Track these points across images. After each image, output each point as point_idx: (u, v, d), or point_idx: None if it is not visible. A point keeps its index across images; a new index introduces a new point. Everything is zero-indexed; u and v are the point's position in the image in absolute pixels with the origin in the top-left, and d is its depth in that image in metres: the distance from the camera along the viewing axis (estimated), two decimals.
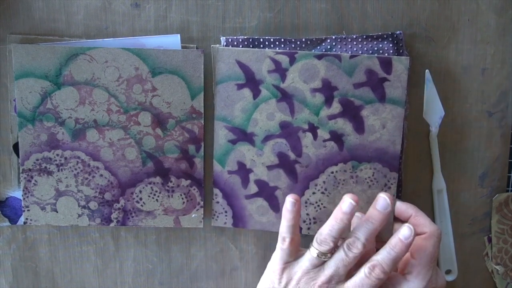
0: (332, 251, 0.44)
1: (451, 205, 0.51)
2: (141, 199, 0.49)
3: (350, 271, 0.44)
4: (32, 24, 0.48)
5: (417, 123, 0.50)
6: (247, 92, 0.48)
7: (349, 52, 0.48)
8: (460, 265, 0.52)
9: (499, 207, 0.52)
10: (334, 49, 0.48)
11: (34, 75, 0.47)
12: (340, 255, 0.44)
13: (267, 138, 0.48)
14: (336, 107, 0.48)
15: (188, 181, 0.49)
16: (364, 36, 0.48)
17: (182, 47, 0.48)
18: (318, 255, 0.44)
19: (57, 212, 0.49)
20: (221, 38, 0.48)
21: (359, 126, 0.48)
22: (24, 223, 0.49)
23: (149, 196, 0.49)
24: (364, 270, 0.43)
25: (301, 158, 0.48)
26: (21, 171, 0.48)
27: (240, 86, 0.47)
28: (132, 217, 0.50)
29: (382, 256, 0.43)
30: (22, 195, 0.49)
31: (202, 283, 0.52)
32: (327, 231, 0.44)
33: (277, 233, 0.47)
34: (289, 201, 0.45)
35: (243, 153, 0.49)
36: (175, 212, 0.50)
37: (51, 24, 0.48)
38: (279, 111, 0.48)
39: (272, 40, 0.48)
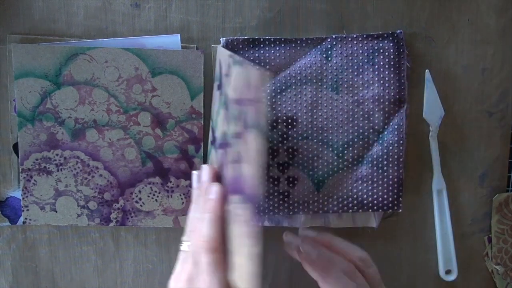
0: None
1: (451, 205, 0.51)
2: (140, 199, 0.49)
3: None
4: (32, 24, 0.48)
5: (417, 123, 0.50)
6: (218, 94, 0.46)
7: (349, 51, 0.48)
8: (460, 265, 0.52)
9: (499, 207, 0.52)
10: (334, 48, 0.48)
11: (34, 75, 0.47)
12: (189, 246, 0.41)
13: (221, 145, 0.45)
14: None
15: (188, 181, 0.49)
16: (365, 35, 0.48)
17: (182, 47, 0.48)
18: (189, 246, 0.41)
19: (56, 212, 0.49)
20: (221, 39, 0.48)
21: None
22: (23, 222, 0.49)
23: (148, 196, 0.49)
24: (202, 257, 0.39)
25: None
26: (20, 170, 0.48)
27: (218, 87, 0.46)
28: (132, 217, 0.50)
29: (204, 229, 0.39)
30: (22, 195, 0.49)
31: None
32: (188, 220, 0.42)
33: (276, 230, 0.47)
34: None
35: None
36: (175, 212, 0.50)
37: (51, 24, 0.48)
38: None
39: (272, 39, 0.48)
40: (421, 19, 0.49)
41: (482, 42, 0.50)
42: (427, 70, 0.49)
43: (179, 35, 0.48)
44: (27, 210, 0.49)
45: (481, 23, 0.49)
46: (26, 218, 0.49)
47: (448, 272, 0.52)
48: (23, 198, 0.49)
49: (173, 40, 0.48)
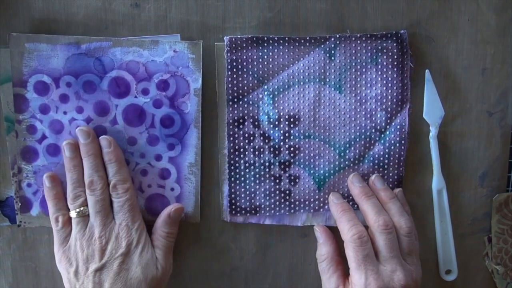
0: (86, 202, 0.45)
1: (451, 205, 0.51)
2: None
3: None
4: (32, 24, 0.47)
5: (417, 123, 0.50)
6: None
7: (353, 51, 0.48)
8: (460, 265, 0.52)
9: (499, 207, 0.52)
10: (338, 48, 0.48)
11: None
12: (91, 200, 0.45)
13: None
14: None
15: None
16: (368, 35, 0.48)
17: None
18: (78, 213, 0.45)
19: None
20: (224, 38, 0.48)
21: None
22: (18, 226, 0.49)
23: None
24: (118, 199, 0.45)
25: None
26: (11, 174, 0.48)
27: None
28: None
29: (114, 175, 0.46)
30: (14, 198, 0.48)
31: (203, 283, 0.52)
32: (71, 186, 0.46)
33: (276, 229, 0.48)
34: (45, 177, 0.47)
35: None
36: None
37: (51, 24, 0.48)
38: None
39: (276, 38, 0.47)
40: (421, 19, 0.49)
41: (482, 42, 0.50)
42: (427, 70, 0.49)
43: (179, 35, 0.48)
44: (22, 214, 0.49)
45: (481, 23, 0.49)
46: (20, 221, 0.49)
47: (448, 272, 0.52)
48: (16, 202, 0.49)
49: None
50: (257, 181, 0.49)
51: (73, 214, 0.45)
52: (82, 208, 0.45)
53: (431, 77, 0.49)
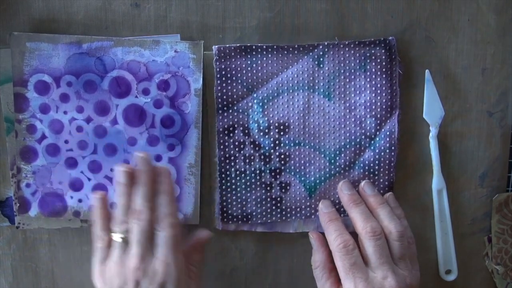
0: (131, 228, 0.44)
1: (451, 205, 0.51)
2: None
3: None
4: (32, 24, 0.48)
5: (417, 123, 0.50)
6: None
7: (341, 58, 0.48)
8: (460, 265, 0.52)
9: (499, 207, 0.52)
10: (326, 55, 0.47)
11: None
12: (136, 229, 0.43)
13: None
14: None
15: None
16: (356, 42, 0.47)
17: None
18: (122, 238, 0.44)
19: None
20: (213, 47, 0.47)
21: None
22: (17, 227, 0.49)
23: None
24: (162, 233, 0.43)
25: None
26: (10, 175, 0.48)
27: None
28: None
29: (163, 208, 0.44)
30: (13, 199, 0.48)
31: (203, 283, 0.52)
32: (120, 211, 0.44)
33: (276, 233, 0.47)
34: (94, 198, 0.46)
35: None
36: None
37: (51, 24, 0.48)
38: None
39: (264, 47, 0.47)
40: (421, 19, 0.49)
41: (482, 42, 0.50)
42: (427, 70, 0.49)
43: (179, 35, 0.48)
44: (20, 214, 0.49)
45: (481, 23, 0.49)
46: (19, 223, 0.49)
47: (448, 272, 0.52)
48: (14, 203, 0.49)
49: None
50: (248, 189, 0.49)
51: (116, 237, 0.44)
52: (126, 235, 0.44)
53: (431, 77, 0.49)
